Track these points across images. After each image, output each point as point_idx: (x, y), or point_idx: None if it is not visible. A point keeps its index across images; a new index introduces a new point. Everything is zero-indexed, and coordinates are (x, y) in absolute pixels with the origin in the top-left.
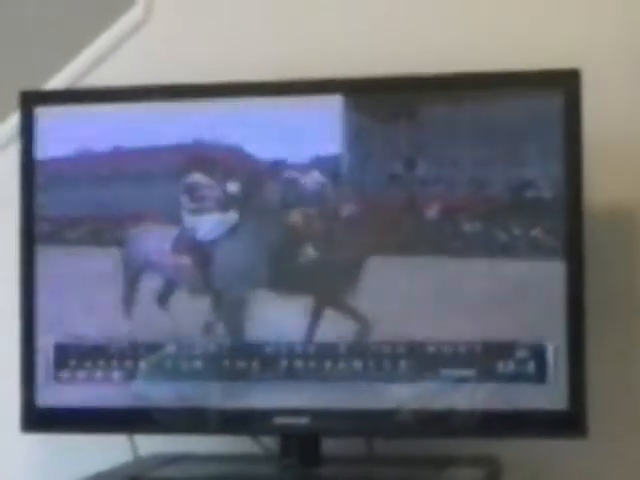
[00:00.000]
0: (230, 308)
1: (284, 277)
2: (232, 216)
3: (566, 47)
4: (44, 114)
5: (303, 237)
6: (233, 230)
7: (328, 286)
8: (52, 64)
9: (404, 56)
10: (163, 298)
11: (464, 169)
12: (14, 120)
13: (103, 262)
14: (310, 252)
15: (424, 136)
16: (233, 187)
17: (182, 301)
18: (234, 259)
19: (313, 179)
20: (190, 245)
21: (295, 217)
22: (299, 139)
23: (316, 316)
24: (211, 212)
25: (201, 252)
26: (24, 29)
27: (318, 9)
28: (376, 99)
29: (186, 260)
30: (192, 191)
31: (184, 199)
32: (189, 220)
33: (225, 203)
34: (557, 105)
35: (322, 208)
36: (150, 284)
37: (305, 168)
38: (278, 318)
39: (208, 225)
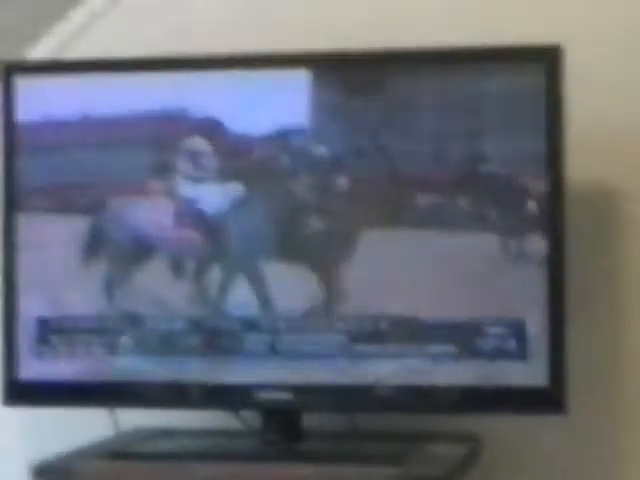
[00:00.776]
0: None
1: (286, 249)
2: (236, 187)
3: (547, 26)
4: (25, 84)
5: (305, 208)
6: (241, 202)
7: (323, 258)
8: (32, 35)
9: (384, 30)
10: (176, 271)
11: (442, 144)
12: None
13: (85, 233)
14: (312, 223)
15: (404, 111)
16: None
17: (190, 275)
18: (243, 231)
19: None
20: (196, 218)
21: (299, 188)
22: (267, 112)
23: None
24: (212, 181)
25: (209, 224)
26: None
27: None
28: (344, 74)
29: (193, 233)
30: (193, 157)
31: (184, 165)
32: (189, 190)
33: (224, 173)
34: (539, 81)
35: (320, 179)
36: (152, 258)
37: (274, 141)
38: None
39: (212, 196)
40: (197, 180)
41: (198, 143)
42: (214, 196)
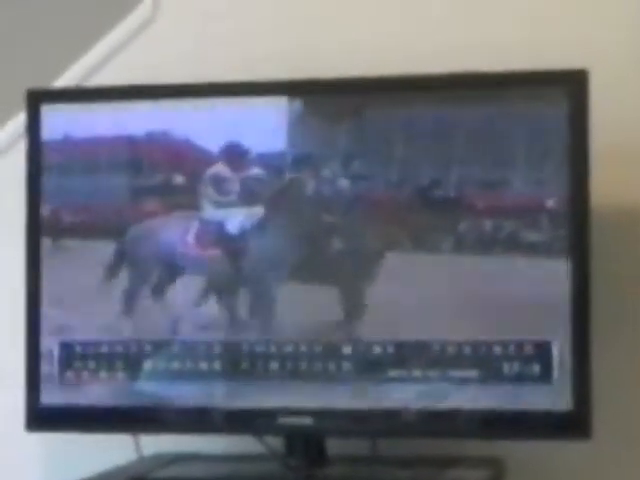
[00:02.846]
0: (257, 304)
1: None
2: (258, 210)
3: (571, 49)
4: (50, 112)
5: (327, 231)
6: (261, 225)
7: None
8: (60, 63)
9: (407, 56)
10: (202, 293)
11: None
12: (21, 119)
13: (108, 257)
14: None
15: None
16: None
17: (212, 298)
18: (261, 253)
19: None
20: (220, 239)
21: (318, 212)
22: (251, 137)
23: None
24: (236, 205)
25: (232, 246)
26: (30, 28)
27: (331, 11)
28: (326, 103)
29: (216, 253)
30: (217, 183)
31: (210, 191)
32: (213, 213)
33: (247, 196)
34: (564, 106)
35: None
36: (177, 281)
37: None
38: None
39: (236, 218)
40: (221, 204)
41: (221, 169)
42: (238, 218)
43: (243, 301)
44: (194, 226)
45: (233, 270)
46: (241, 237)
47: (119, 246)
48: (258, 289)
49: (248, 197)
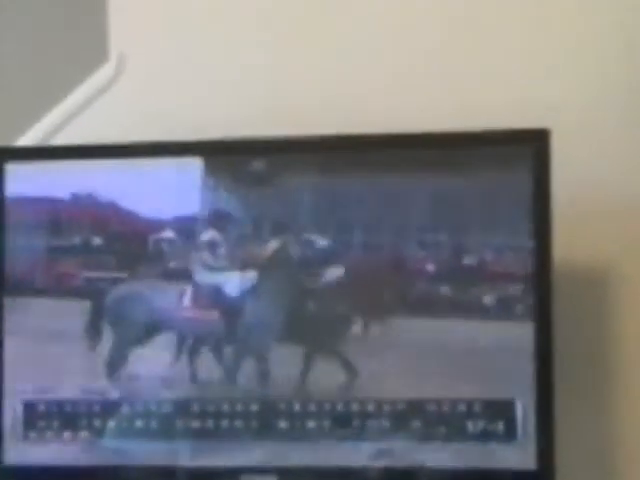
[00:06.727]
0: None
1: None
2: (251, 274)
3: (533, 109)
4: (14, 170)
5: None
6: (255, 288)
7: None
8: (24, 121)
9: (363, 117)
10: (192, 354)
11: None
12: None
13: (76, 317)
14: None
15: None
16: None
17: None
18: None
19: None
20: (216, 302)
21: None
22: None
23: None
24: (230, 269)
25: (228, 308)
26: None
27: (291, 69)
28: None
29: (212, 316)
30: (212, 248)
31: (205, 255)
32: (206, 276)
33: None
34: (525, 166)
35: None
36: (162, 342)
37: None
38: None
39: (232, 282)
40: (214, 268)
41: (213, 235)
42: (234, 281)
43: (229, 360)
44: (188, 289)
45: (227, 332)
46: (238, 299)
47: (94, 309)
48: (249, 350)
49: (240, 261)
